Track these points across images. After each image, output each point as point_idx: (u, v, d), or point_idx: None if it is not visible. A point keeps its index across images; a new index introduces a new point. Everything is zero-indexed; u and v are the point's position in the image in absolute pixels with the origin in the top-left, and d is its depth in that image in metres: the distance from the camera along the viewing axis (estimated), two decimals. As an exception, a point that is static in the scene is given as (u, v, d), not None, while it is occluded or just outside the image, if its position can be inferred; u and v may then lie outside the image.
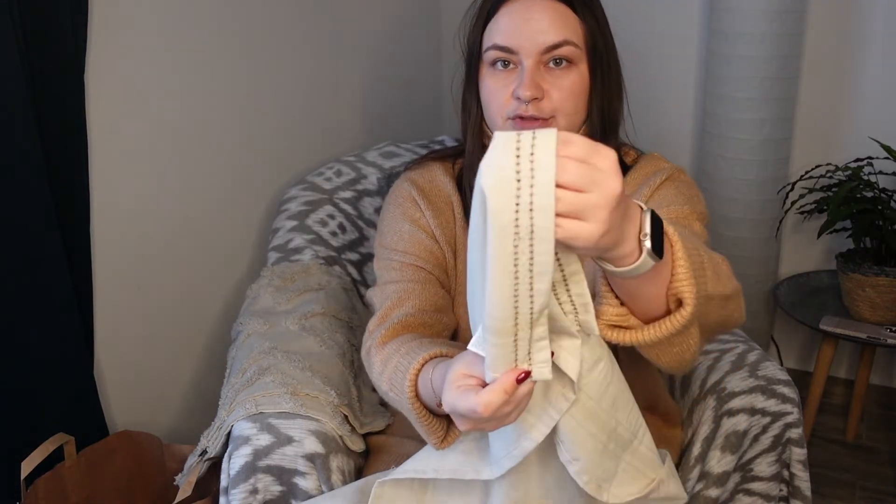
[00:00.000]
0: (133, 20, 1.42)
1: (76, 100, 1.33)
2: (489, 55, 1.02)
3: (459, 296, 1.14)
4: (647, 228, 0.67)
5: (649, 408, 1.18)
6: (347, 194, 1.61)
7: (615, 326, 0.77)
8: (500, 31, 1.01)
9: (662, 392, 1.20)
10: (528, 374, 0.67)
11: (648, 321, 0.76)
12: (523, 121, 1.00)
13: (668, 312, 0.75)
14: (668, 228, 0.71)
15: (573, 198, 0.58)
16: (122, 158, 1.46)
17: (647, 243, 0.66)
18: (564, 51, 1.00)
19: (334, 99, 1.92)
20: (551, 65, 1.01)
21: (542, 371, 0.67)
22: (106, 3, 1.36)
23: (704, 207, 1.07)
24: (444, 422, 0.91)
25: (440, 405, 0.81)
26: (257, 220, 1.75)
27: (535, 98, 0.99)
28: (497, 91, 1.02)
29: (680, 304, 0.74)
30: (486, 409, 0.66)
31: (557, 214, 0.58)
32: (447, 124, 2.39)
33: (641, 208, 0.68)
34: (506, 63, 1.02)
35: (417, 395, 0.89)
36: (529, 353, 0.66)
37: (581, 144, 0.59)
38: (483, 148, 1.11)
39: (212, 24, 1.57)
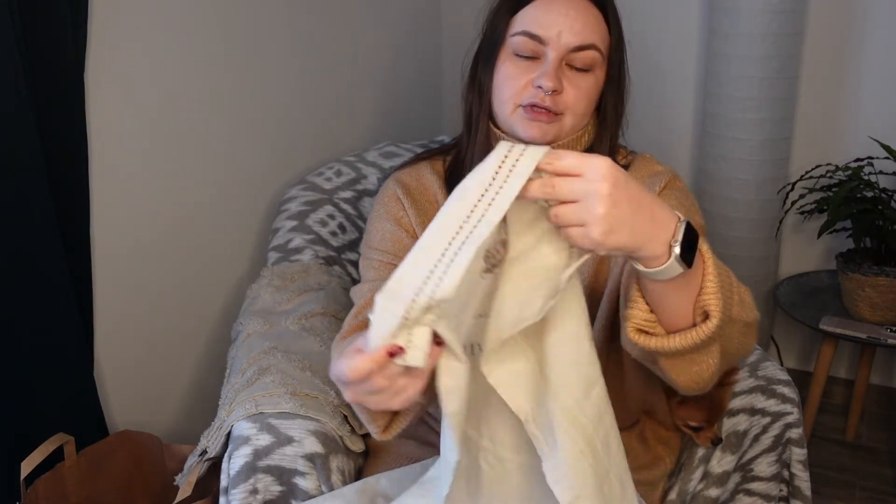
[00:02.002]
0: (133, 20, 1.42)
1: (76, 100, 1.33)
2: (516, 41, 1.02)
3: None
4: (680, 236, 0.70)
5: (648, 412, 1.19)
6: (347, 194, 1.61)
7: (642, 331, 0.79)
8: (534, 19, 1.00)
9: (661, 398, 1.20)
10: (401, 350, 0.66)
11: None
12: (536, 110, 1.00)
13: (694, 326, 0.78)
14: (703, 246, 0.74)
15: (570, 210, 0.65)
16: (122, 158, 1.46)
17: (676, 249, 0.70)
18: (589, 55, 1.00)
19: (334, 99, 1.92)
20: (573, 66, 1.01)
21: (415, 356, 0.66)
22: (106, 3, 1.36)
23: (701, 217, 1.09)
24: (388, 415, 0.93)
25: None
26: (257, 220, 1.75)
27: (555, 91, 0.99)
28: (515, 77, 1.02)
29: (706, 317, 0.76)
30: (352, 372, 0.67)
31: (563, 226, 0.65)
32: (447, 124, 2.39)
33: (679, 218, 0.72)
34: (529, 55, 1.01)
35: None
36: (411, 333, 0.66)
37: (571, 157, 0.66)
38: (487, 137, 1.09)
39: (212, 24, 1.57)
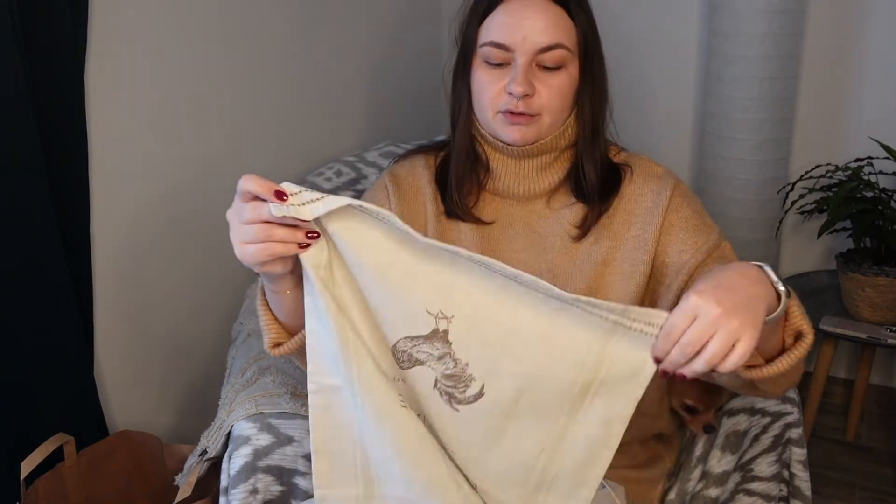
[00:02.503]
0: (133, 20, 1.42)
1: (76, 100, 1.33)
2: (484, 51, 1.03)
3: None
4: (773, 275, 0.79)
5: (658, 436, 1.19)
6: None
7: (749, 367, 0.85)
8: (497, 28, 1.02)
9: (669, 421, 1.20)
10: (284, 196, 0.76)
11: (768, 359, 0.87)
12: (513, 115, 1.02)
13: (783, 347, 0.86)
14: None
15: (715, 344, 0.71)
16: (122, 158, 1.46)
17: (781, 287, 0.79)
18: (557, 53, 1.01)
19: (334, 99, 1.92)
20: (544, 65, 1.02)
21: (306, 209, 0.77)
22: (106, 3, 1.36)
23: (711, 218, 1.10)
24: (285, 332, 0.97)
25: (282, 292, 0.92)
26: (257, 220, 1.75)
27: (527, 95, 1.00)
28: (489, 84, 1.04)
29: (796, 337, 0.85)
30: (245, 179, 0.77)
31: (723, 358, 0.72)
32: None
33: (757, 265, 0.80)
34: (500, 62, 1.03)
35: (264, 293, 0.97)
36: (304, 205, 0.77)
37: (676, 321, 0.73)
38: (472, 137, 1.10)
39: (211, 24, 1.57)
